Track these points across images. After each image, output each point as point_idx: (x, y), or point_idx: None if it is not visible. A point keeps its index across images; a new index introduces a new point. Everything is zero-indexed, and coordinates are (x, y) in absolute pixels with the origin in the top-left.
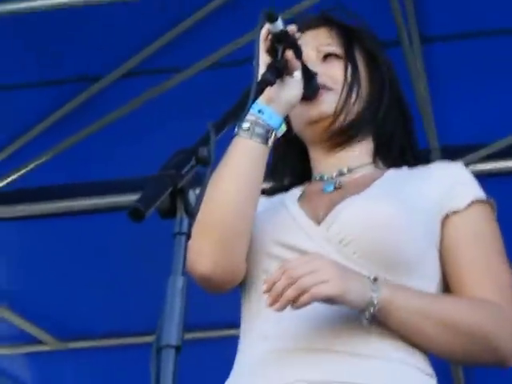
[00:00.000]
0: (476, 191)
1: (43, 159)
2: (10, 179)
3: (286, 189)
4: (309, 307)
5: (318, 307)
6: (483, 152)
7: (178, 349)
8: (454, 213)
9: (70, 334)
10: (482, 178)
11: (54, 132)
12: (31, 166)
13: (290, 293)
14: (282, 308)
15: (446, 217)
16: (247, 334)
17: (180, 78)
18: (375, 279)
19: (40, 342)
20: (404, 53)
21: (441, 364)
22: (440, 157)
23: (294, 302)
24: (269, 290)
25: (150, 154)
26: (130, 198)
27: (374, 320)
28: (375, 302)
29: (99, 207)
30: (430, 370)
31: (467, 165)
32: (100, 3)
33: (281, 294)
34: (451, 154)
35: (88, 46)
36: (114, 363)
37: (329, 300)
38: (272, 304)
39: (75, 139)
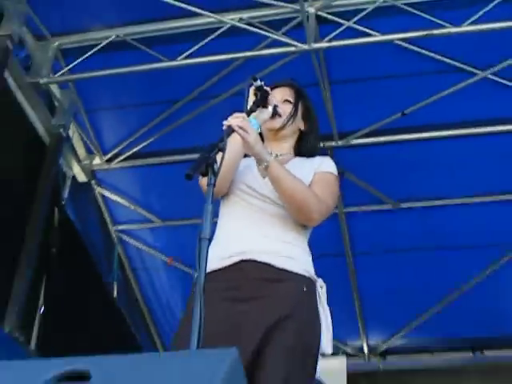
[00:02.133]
0: (333, 169)
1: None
2: (146, 143)
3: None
4: (257, 217)
5: (264, 217)
6: (363, 132)
7: (210, 240)
8: (320, 172)
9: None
10: (363, 147)
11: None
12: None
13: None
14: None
15: (315, 174)
16: (223, 220)
17: (217, 100)
18: (271, 153)
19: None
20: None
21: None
22: (337, 138)
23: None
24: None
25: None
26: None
27: (267, 170)
28: (268, 159)
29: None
30: (308, 249)
31: (355, 138)
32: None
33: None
34: (344, 135)
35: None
36: None
37: (247, 144)
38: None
39: (174, 126)
